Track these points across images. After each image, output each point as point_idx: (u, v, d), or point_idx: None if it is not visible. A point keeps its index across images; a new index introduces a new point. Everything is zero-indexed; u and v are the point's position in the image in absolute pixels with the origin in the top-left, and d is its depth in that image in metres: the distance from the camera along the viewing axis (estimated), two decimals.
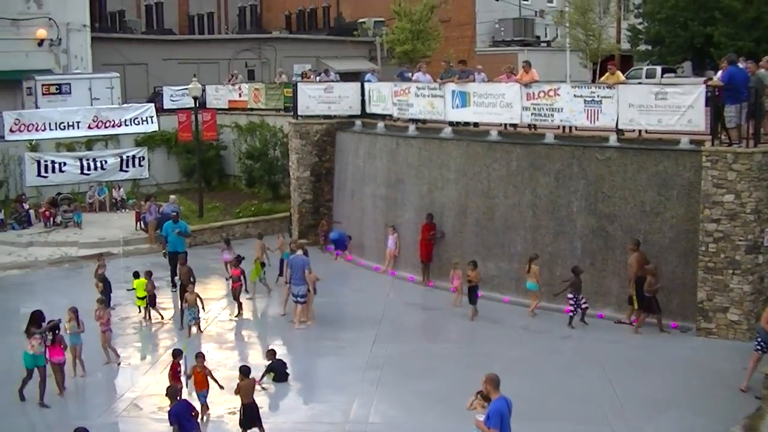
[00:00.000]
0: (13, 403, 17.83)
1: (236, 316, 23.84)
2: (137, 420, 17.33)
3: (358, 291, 26.69)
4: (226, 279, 25.56)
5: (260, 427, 15.75)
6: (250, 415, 15.74)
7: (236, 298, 24.00)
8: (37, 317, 18.14)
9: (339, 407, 17.52)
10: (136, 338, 22.60)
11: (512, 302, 24.35)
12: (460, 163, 26.42)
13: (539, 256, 23.33)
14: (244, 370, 16.19)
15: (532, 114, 24.99)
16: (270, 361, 18.72)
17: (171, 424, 14.54)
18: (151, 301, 23.63)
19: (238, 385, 16.00)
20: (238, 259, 24.63)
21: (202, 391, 16.93)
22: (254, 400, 15.96)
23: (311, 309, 23.08)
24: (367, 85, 31.99)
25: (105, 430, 16.46)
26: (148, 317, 23.61)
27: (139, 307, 23.78)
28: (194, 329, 22.14)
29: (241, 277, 24.22)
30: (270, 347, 19.66)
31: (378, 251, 29.09)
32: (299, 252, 23.37)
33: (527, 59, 29.08)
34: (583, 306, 22.15)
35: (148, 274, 23.81)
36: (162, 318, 23.72)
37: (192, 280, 22.97)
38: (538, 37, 60.49)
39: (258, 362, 19.32)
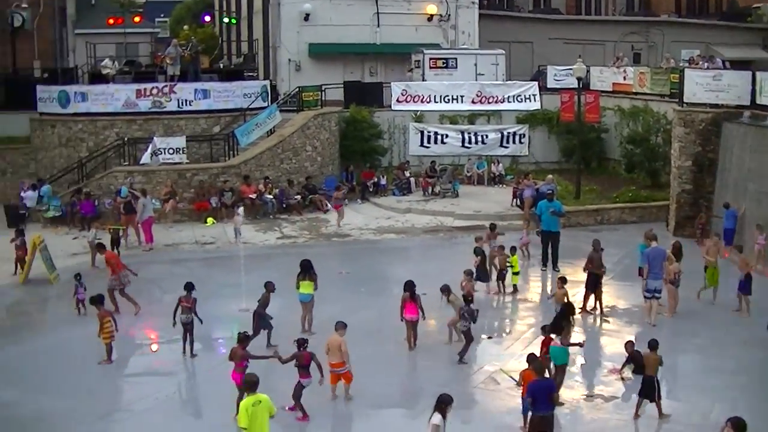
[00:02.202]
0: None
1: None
2: (493, 393, 17.04)
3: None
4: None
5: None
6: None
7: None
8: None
9: (698, 409, 16.19)
10: (502, 313, 22.21)
11: None
12: None
13: None
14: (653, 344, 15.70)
15: None
16: (629, 354, 17.36)
17: (524, 398, 14.14)
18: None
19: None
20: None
21: None
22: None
23: (674, 303, 21.33)
24: (758, 75, 29.42)
25: (459, 398, 16.09)
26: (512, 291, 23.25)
27: (514, 285, 23.35)
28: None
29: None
30: (628, 339, 18.26)
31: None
32: (653, 243, 21.58)
33: None
34: None
35: (513, 250, 23.56)
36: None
37: (603, 268, 21.87)
38: None
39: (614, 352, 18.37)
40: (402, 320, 18.78)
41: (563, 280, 20.28)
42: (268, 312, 18.90)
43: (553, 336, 16.71)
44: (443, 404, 12.59)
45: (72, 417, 15.90)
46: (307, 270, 19.86)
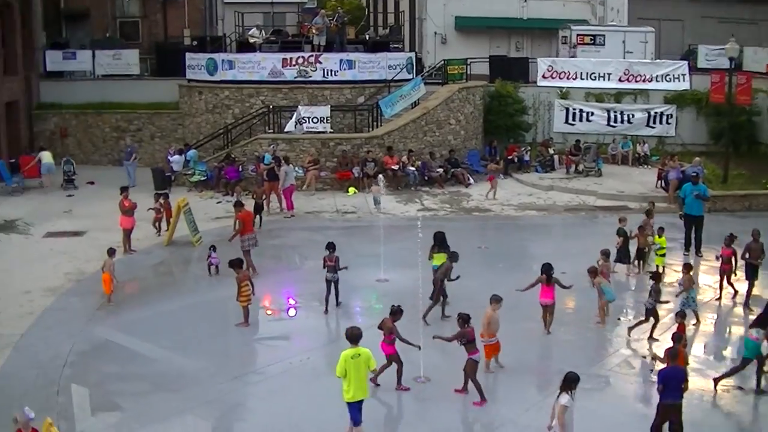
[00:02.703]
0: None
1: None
2: (626, 378, 16.54)
3: None
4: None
5: None
6: None
7: (729, 280, 21.22)
8: None
9: None
10: (639, 295, 21.55)
11: None
12: None
13: None
14: None
15: None
16: None
17: (658, 383, 13.54)
18: None
19: None
20: (731, 238, 21.44)
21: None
22: None
23: None
24: None
25: (593, 381, 15.76)
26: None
27: (657, 265, 22.59)
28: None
29: (732, 258, 21.21)
30: None
31: None
32: None
33: None
34: None
35: (661, 230, 22.71)
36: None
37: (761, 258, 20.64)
38: None
39: None
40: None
41: (688, 267, 19.52)
42: None
43: (754, 331, 15.96)
44: (571, 383, 12.26)
45: (207, 376, 16.22)
46: (440, 242, 19.81)
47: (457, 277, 18.77)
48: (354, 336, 13.35)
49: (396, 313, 15.56)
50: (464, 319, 15.17)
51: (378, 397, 15.21)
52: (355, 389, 13.17)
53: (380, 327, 15.56)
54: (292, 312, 20.37)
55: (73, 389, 15.71)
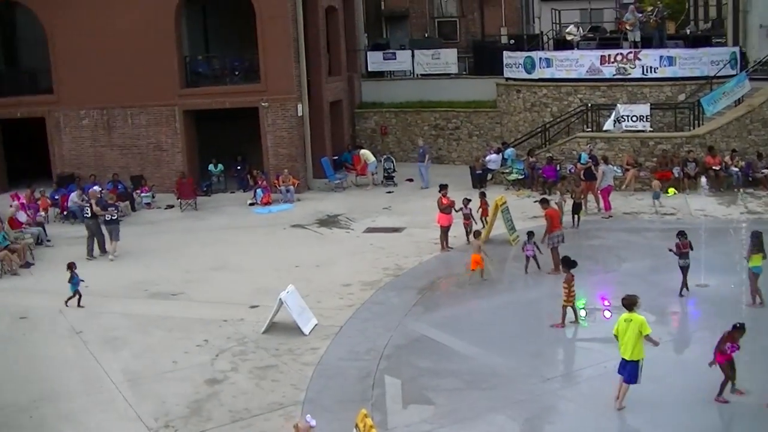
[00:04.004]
0: None
1: None
2: None
3: None
4: None
5: None
6: None
7: None
8: None
9: None
10: None
11: None
12: None
13: None
14: None
15: None
16: None
17: None
18: None
19: None
20: None
21: None
22: None
23: None
24: None
25: None
26: None
27: None
28: None
29: None
30: None
31: None
32: None
33: None
34: None
35: None
36: None
37: None
38: None
39: None
40: None
41: None
42: None
43: None
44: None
45: (519, 376, 15.87)
46: (758, 242, 18.56)
47: None
48: (629, 303, 14.33)
49: (738, 329, 14.37)
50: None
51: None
52: (624, 349, 14.20)
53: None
54: (608, 314, 19.54)
55: (387, 382, 15.88)
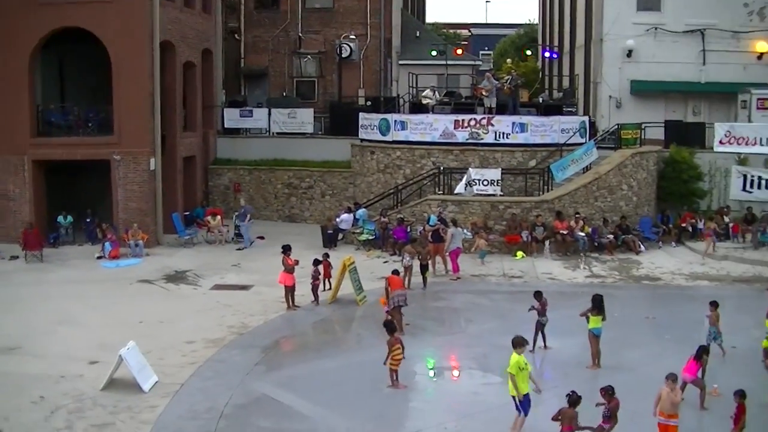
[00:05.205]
0: None
1: None
2: None
3: None
4: None
5: None
6: None
7: None
8: None
9: None
10: None
11: None
12: None
13: None
14: None
15: None
16: None
17: None
18: None
19: None
20: None
21: None
22: None
23: None
24: None
25: None
26: None
27: None
28: None
29: None
30: None
31: None
32: None
33: None
34: None
35: None
36: None
37: None
38: None
39: None
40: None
41: None
42: None
43: None
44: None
45: None
46: (598, 305, 19.43)
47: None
48: (512, 343, 15.91)
49: (576, 402, 14.49)
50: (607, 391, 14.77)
51: None
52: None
53: (556, 418, 14.58)
54: (456, 373, 20.12)
55: None
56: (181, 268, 29.89)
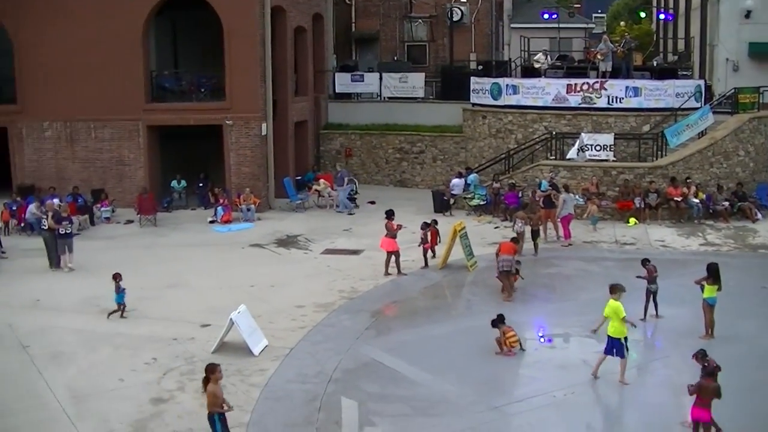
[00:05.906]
0: None
1: None
2: None
3: None
4: None
5: None
6: None
7: None
8: None
9: None
10: None
11: None
12: None
13: None
14: None
15: None
16: None
17: None
18: None
19: None
20: None
21: None
22: None
23: None
24: None
25: None
26: None
27: None
28: None
29: None
30: None
31: None
32: None
33: None
34: None
35: None
36: None
37: None
38: None
39: None
40: None
41: None
42: None
43: None
44: None
45: (467, 404, 15.78)
46: (714, 274, 18.74)
47: None
48: (611, 289, 16.66)
49: (712, 373, 13.51)
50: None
51: None
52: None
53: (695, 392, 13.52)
54: (566, 341, 19.59)
55: (334, 406, 15.73)
56: (292, 233, 29.95)
